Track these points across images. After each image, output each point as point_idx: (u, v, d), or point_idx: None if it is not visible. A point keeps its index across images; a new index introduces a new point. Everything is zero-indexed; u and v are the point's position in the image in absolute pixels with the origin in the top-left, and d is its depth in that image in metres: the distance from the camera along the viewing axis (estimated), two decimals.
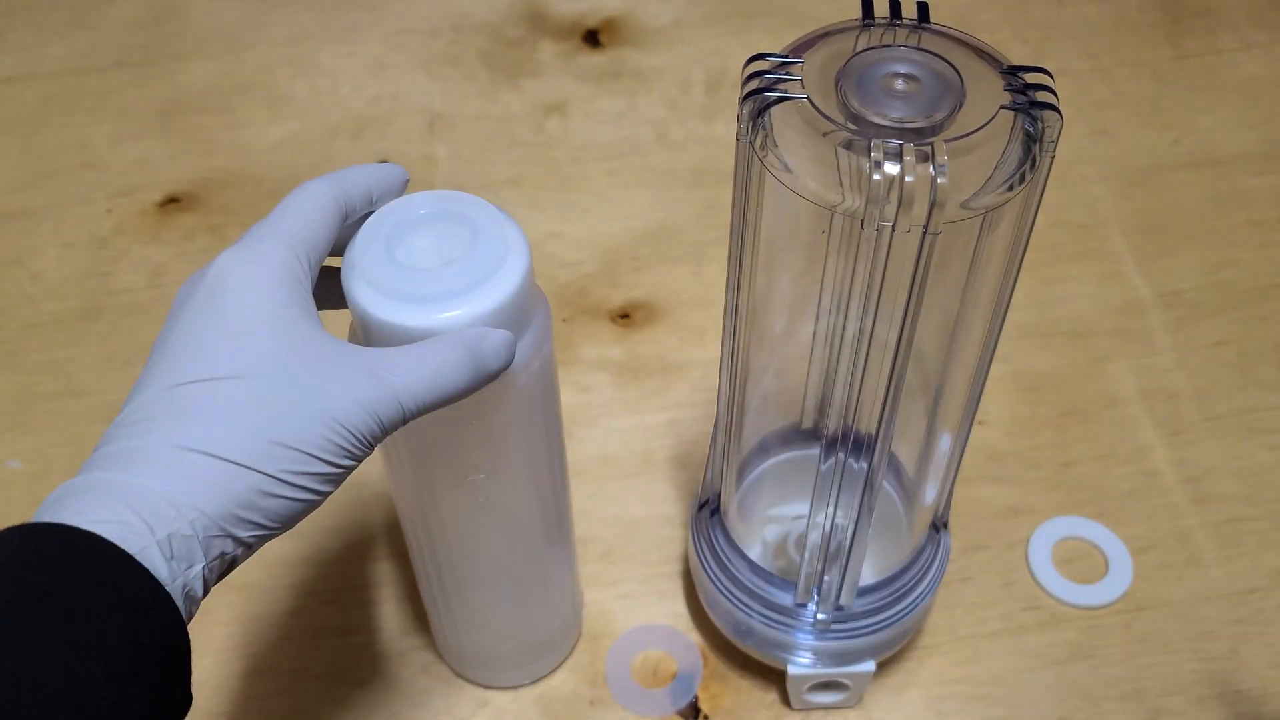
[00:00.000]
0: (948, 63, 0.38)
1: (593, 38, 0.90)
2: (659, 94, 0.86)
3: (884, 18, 0.40)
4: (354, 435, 0.36)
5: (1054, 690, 0.57)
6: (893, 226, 0.37)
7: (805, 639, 0.53)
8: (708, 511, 0.55)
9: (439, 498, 0.47)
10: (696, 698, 0.57)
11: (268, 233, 0.38)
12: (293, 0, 0.93)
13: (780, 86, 0.38)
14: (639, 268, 0.75)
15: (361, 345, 0.40)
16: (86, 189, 0.80)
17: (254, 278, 0.37)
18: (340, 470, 0.36)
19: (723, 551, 0.54)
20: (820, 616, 0.52)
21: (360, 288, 0.42)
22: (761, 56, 0.39)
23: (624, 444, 0.67)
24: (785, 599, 0.53)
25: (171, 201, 0.79)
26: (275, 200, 0.83)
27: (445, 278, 0.42)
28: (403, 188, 0.44)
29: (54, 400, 0.69)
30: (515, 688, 0.57)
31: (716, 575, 0.54)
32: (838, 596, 0.51)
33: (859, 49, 0.39)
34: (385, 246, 0.43)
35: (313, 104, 0.85)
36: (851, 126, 0.37)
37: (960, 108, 0.37)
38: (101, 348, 0.71)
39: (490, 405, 0.44)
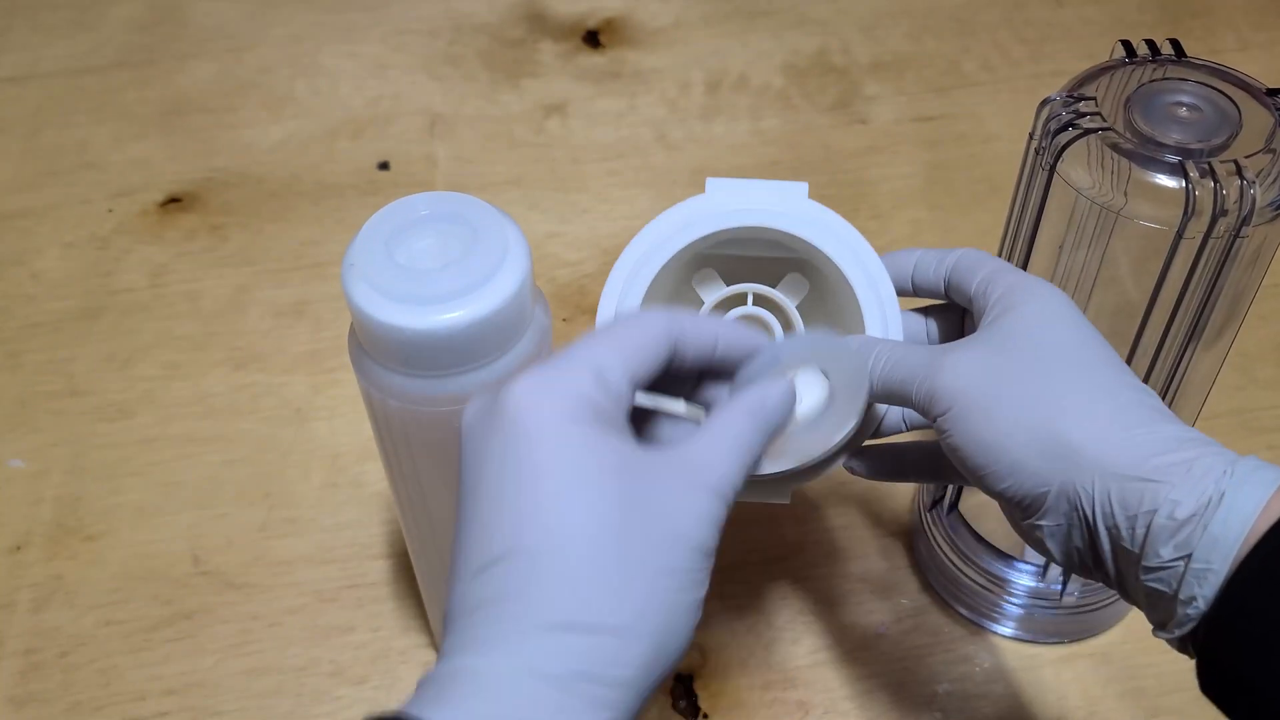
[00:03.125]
0: (1220, 91, 0.45)
1: (593, 38, 0.90)
2: (659, 94, 0.86)
3: (1145, 55, 0.47)
4: (702, 552, 0.34)
5: (1053, 689, 0.57)
6: (1206, 234, 0.43)
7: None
8: (944, 508, 0.59)
9: (439, 497, 0.48)
10: (696, 695, 0.57)
11: (565, 356, 0.35)
12: (293, 1, 0.93)
13: (1082, 121, 0.44)
14: None
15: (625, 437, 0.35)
16: (87, 189, 0.80)
17: (549, 417, 0.33)
18: (703, 588, 0.34)
19: (965, 545, 0.59)
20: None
21: (360, 288, 0.42)
22: (1053, 98, 0.46)
23: None
24: (1030, 580, 0.58)
25: (172, 201, 0.79)
26: (276, 201, 0.84)
27: (445, 278, 0.42)
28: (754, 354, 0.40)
29: (55, 399, 0.69)
30: None
31: (959, 566, 0.59)
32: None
33: (1143, 82, 0.46)
34: (385, 247, 0.43)
35: (313, 104, 0.85)
36: (1147, 150, 0.43)
37: (1240, 131, 0.44)
38: (102, 347, 0.71)
39: None
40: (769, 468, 0.40)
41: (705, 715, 0.57)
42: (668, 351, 0.36)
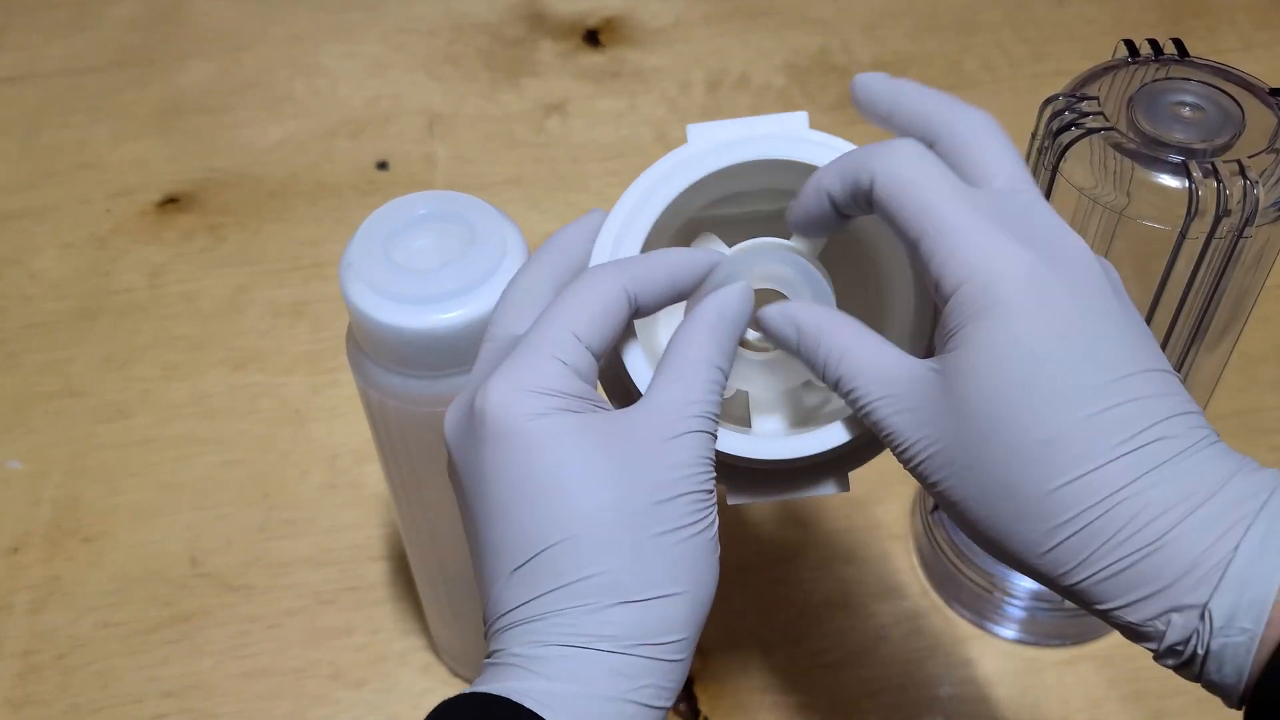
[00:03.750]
0: (1223, 91, 0.44)
1: (593, 37, 0.90)
2: (659, 94, 0.86)
3: (1148, 55, 0.47)
4: (701, 491, 0.34)
5: (1055, 691, 0.57)
6: (1209, 235, 0.42)
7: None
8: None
9: (437, 498, 0.47)
10: (696, 698, 0.57)
11: (528, 347, 0.34)
12: (292, 0, 0.93)
13: (1085, 120, 0.44)
14: None
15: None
16: (85, 189, 0.80)
17: (530, 420, 0.33)
18: (714, 505, 0.34)
19: (966, 547, 0.59)
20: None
21: (358, 288, 0.42)
22: (1055, 98, 0.45)
23: None
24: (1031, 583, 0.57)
25: (170, 202, 0.79)
26: (275, 200, 0.83)
27: (443, 279, 0.42)
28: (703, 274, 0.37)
29: (53, 400, 0.69)
30: None
31: (961, 569, 0.59)
32: None
33: (1145, 81, 0.45)
34: (383, 247, 0.43)
35: (312, 104, 0.85)
36: (1150, 150, 0.43)
37: (1243, 131, 0.43)
38: (101, 348, 0.71)
39: None
40: (806, 447, 0.37)
41: (705, 718, 0.57)
42: (627, 307, 0.35)
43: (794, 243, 0.38)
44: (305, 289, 0.74)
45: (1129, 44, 0.47)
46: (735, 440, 0.38)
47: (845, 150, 0.38)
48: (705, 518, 0.34)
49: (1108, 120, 0.44)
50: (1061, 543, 0.32)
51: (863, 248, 0.41)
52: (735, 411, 0.42)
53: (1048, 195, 0.46)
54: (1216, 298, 0.45)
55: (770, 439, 0.38)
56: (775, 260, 0.38)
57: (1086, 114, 0.44)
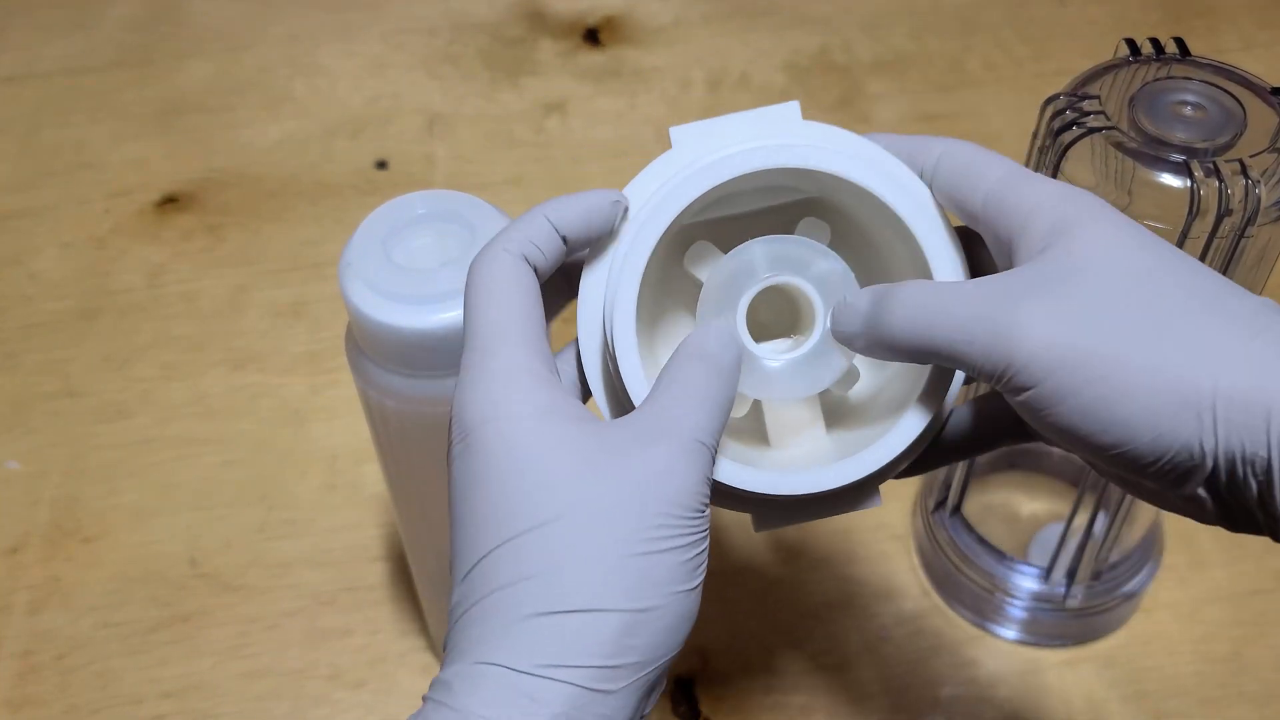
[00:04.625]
0: (1224, 90, 0.44)
1: (592, 36, 0.90)
2: (659, 93, 0.86)
3: (1150, 54, 0.46)
4: (683, 507, 0.32)
5: (1056, 692, 0.57)
6: (1211, 234, 0.42)
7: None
8: (946, 511, 0.59)
9: (436, 499, 0.47)
10: (697, 699, 0.57)
11: (479, 348, 0.34)
12: (292, 0, 0.93)
13: (1086, 120, 0.43)
14: None
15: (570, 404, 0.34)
16: (84, 189, 0.80)
17: (500, 415, 0.33)
18: (702, 546, 0.33)
19: (967, 547, 0.59)
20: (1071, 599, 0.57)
21: (357, 288, 0.42)
22: (1057, 97, 0.45)
23: None
24: (1033, 583, 0.58)
25: (169, 201, 0.79)
26: (274, 200, 0.83)
27: (443, 278, 0.41)
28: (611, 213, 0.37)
29: (52, 400, 0.69)
30: None
31: (962, 569, 0.59)
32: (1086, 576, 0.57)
33: (1147, 80, 0.45)
34: (382, 247, 0.43)
35: (311, 103, 0.85)
36: (1151, 149, 0.43)
37: (1244, 131, 0.43)
38: (100, 348, 0.71)
39: None
40: (842, 476, 0.35)
41: (706, 719, 0.56)
42: (567, 292, 0.37)
43: (801, 236, 0.37)
44: (305, 289, 0.74)
45: (1130, 43, 0.47)
46: (760, 477, 0.36)
47: (842, 142, 0.37)
48: (692, 536, 0.32)
49: (1109, 120, 0.44)
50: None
51: (864, 238, 0.39)
52: (748, 426, 0.40)
53: None
54: None
55: (801, 472, 0.36)
56: (795, 248, 0.36)
57: (1088, 113, 0.44)
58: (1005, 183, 0.35)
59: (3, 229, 0.78)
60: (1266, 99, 0.44)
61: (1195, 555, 0.61)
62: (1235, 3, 0.91)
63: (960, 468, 0.58)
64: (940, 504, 0.59)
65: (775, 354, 0.37)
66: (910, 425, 0.36)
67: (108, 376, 0.70)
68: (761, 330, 0.38)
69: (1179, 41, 0.47)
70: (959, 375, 0.36)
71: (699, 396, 0.33)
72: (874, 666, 0.58)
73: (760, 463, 0.38)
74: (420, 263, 0.43)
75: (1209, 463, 0.30)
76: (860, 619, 0.59)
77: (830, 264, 0.36)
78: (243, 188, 0.80)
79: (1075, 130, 0.43)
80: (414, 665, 0.58)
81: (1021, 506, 0.61)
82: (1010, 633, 0.59)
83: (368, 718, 0.57)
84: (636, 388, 0.35)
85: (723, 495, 0.36)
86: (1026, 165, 0.46)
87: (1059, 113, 0.44)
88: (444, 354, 0.42)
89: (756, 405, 0.40)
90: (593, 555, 0.31)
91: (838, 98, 0.85)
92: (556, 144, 0.82)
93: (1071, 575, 0.56)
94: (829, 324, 0.36)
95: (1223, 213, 0.42)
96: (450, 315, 0.41)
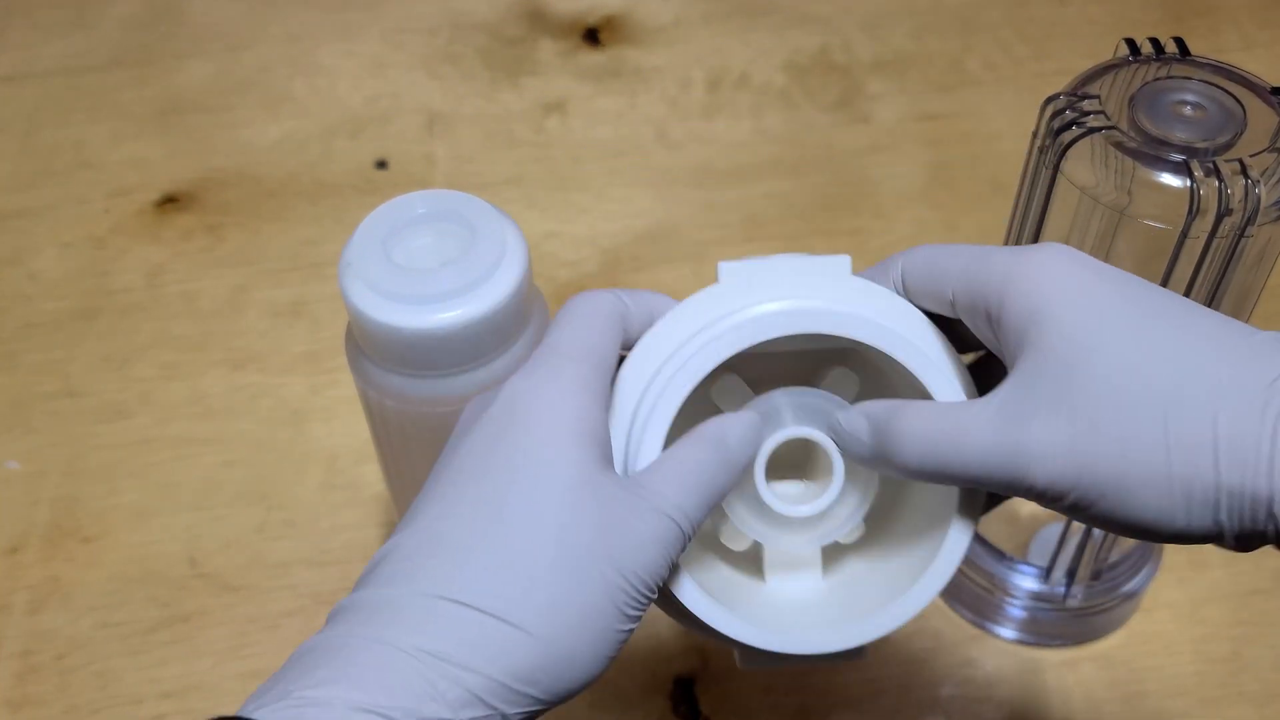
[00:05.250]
0: (1224, 90, 0.44)
1: (592, 36, 0.90)
2: (659, 93, 0.86)
3: (1150, 54, 0.46)
4: (650, 582, 0.33)
5: (1056, 692, 0.57)
6: (1211, 234, 0.42)
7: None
8: None
9: None
10: (697, 699, 0.57)
11: (556, 351, 0.35)
12: (291, 0, 0.93)
13: (1086, 119, 0.43)
14: (639, 267, 0.75)
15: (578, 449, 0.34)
16: (84, 188, 0.80)
17: (545, 415, 0.33)
18: (634, 621, 0.33)
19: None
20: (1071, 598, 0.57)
21: (356, 288, 0.42)
22: (1057, 97, 0.45)
23: None
24: (1033, 583, 0.58)
25: (169, 201, 0.79)
26: (274, 200, 0.83)
27: (442, 278, 0.41)
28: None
29: (52, 400, 0.69)
30: None
31: (962, 569, 0.57)
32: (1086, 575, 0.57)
33: (1147, 80, 0.45)
34: (382, 246, 0.43)
35: (311, 103, 0.85)
36: (1151, 149, 0.43)
37: (1244, 130, 0.43)
38: (99, 348, 0.71)
39: None
40: (844, 640, 0.36)
41: (706, 719, 0.56)
42: (621, 328, 0.37)
43: (827, 388, 0.38)
44: (304, 289, 0.74)
45: (1130, 43, 0.47)
46: (757, 632, 0.36)
47: (881, 301, 0.38)
48: (627, 608, 0.32)
49: (1109, 119, 0.44)
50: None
51: (892, 389, 0.40)
52: (743, 550, 0.41)
53: (1048, 194, 0.46)
54: (1218, 297, 0.45)
55: (803, 631, 0.37)
56: (818, 400, 0.38)
57: (1088, 113, 0.44)
58: (968, 270, 0.35)
59: (2, 229, 0.78)
60: (1266, 99, 0.44)
61: (1195, 555, 0.61)
62: (1235, 2, 0.91)
63: None
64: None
65: (788, 502, 0.37)
66: (927, 586, 0.37)
67: (107, 376, 0.70)
68: (773, 461, 0.38)
69: (1179, 41, 0.47)
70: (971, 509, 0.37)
71: (695, 477, 0.34)
72: (874, 666, 0.58)
73: (753, 601, 0.39)
74: (420, 263, 0.43)
75: (1228, 539, 0.31)
76: None
77: (841, 412, 0.37)
78: (242, 187, 0.80)
79: (1075, 130, 0.43)
80: None
81: (1021, 506, 0.61)
82: (1010, 633, 0.59)
83: None
84: (650, 450, 0.36)
85: (712, 633, 0.37)
86: (1026, 165, 0.46)
87: (1059, 112, 0.44)
88: (444, 354, 0.42)
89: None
90: (522, 573, 0.31)
91: (838, 97, 0.85)
92: (556, 144, 0.82)
93: (1071, 575, 0.56)
94: (836, 445, 0.37)
95: (1223, 212, 0.42)
96: (450, 315, 0.41)
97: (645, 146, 0.82)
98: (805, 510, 0.37)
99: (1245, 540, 0.31)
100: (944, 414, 0.34)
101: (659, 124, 0.83)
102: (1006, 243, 0.50)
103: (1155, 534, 0.32)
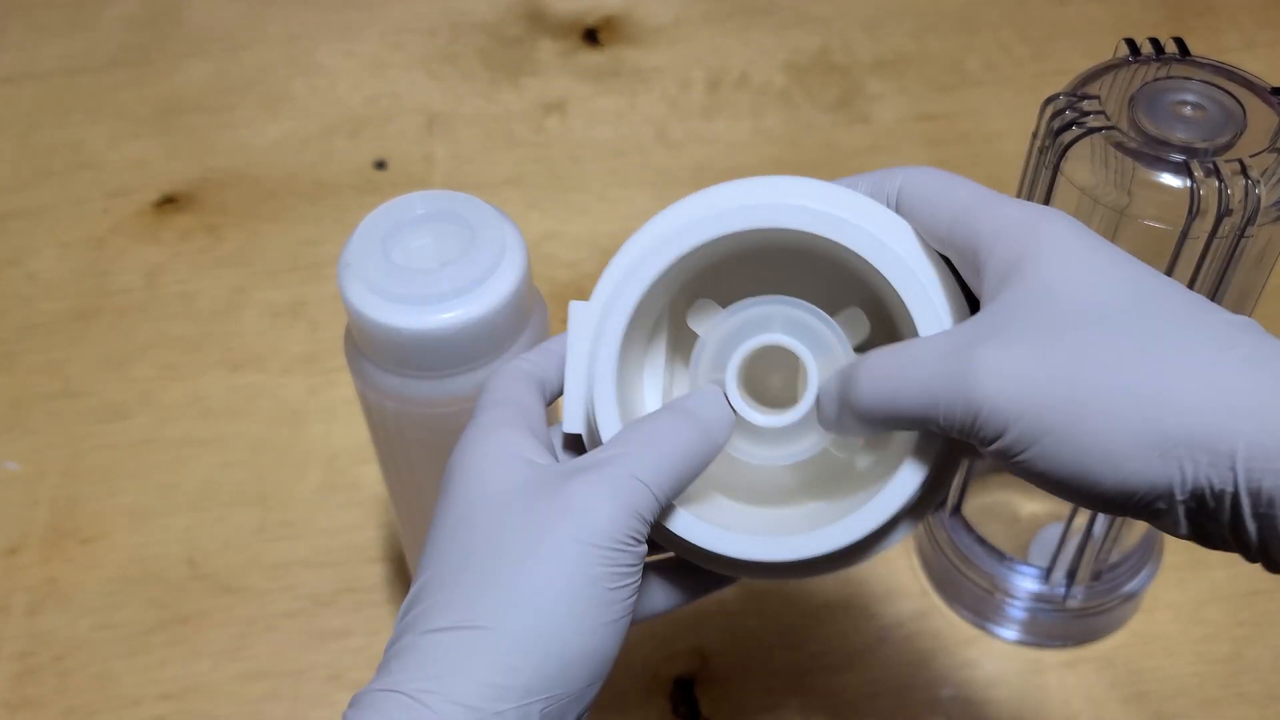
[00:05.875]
0: (1224, 90, 0.44)
1: (592, 36, 0.90)
2: (659, 93, 0.85)
3: (1150, 54, 0.46)
4: (612, 535, 0.32)
5: (1056, 693, 0.57)
6: (1211, 234, 0.42)
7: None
8: (946, 511, 0.59)
9: (435, 498, 0.47)
10: (697, 699, 0.57)
11: (478, 412, 0.36)
12: (291, 0, 0.93)
13: (1086, 120, 0.43)
14: None
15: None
16: (83, 189, 0.80)
17: (474, 449, 0.35)
18: (624, 588, 0.33)
19: (967, 548, 0.59)
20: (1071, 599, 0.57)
21: (356, 289, 0.42)
22: (1057, 97, 0.45)
23: None
24: (1033, 583, 0.58)
25: (168, 201, 0.79)
26: (273, 200, 0.83)
27: (442, 278, 0.41)
28: None
29: (51, 401, 0.68)
30: None
31: (962, 570, 0.59)
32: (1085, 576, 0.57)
33: (1147, 80, 0.45)
34: (381, 247, 0.43)
35: (310, 103, 0.85)
36: (1151, 149, 0.43)
37: (1244, 131, 0.43)
38: (98, 348, 0.71)
39: None
40: (832, 541, 0.35)
41: (706, 719, 0.56)
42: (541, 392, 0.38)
43: (794, 299, 0.37)
44: (303, 289, 0.74)
45: (1130, 43, 0.47)
46: (732, 541, 0.36)
47: (842, 201, 0.36)
48: (593, 567, 0.32)
49: (1109, 119, 0.44)
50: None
51: (864, 291, 0.38)
52: (739, 482, 0.40)
53: (1048, 195, 0.46)
54: (1218, 297, 0.45)
55: (776, 539, 0.36)
56: (800, 312, 0.36)
57: (1088, 113, 0.44)
58: (969, 208, 0.34)
59: (1, 229, 0.78)
60: (1266, 99, 0.44)
61: (1195, 555, 0.61)
62: (1235, 2, 0.91)
63: (960, 468, 0.59)
64: (940, 504, 0.59)
65: (767, 419, 0.36)
66: (887, 500, 0.35)
67: (106, 377, 0.70)
68: (774, 397, 0.37)
69: (1179, 41, 0.46)
70: (935, 443, 0.35)
71: (655, 440, 0.34)
72: (874, 667, 0.58)
73: (742, 525, 0.37)
74: (420, 263, 0.43)
75: (1178, 498, 0.30)
76: (860, 619, 0.59)
77: (831, 333, 0.36)
78: (241, 188, 0.80)
79: (1075, 130, 0.43)
80: None
81: (1021, 507, 0.61)
82: (1010, 633, 0.59)
83: None
84: (607, 423, 0.36)
85: (701, 557, 0.37)
86: (1026, 165, 0.46)
87: (1059, 112, 0.44)
88: (443, 355, 0.42)
89: (749, 467, 0.39)
90: (488, 577, 0.32)
91: (837, 97, 0.85)
92: (556, 144, 0.82)
93: (1071, 575, 0.56)
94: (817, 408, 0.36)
95: (1222, 212, 0.41)
96: (450, 316, 0.41)
97: (645, 146, 0.82)
98: (776, 420, 0.36)
99: (1199, 506, 0.29)
100: (901, 348, 0.33)
101: (659, 124, 0.83)
102: None
103: (1094, 487, 0.30)
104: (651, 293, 0.36)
